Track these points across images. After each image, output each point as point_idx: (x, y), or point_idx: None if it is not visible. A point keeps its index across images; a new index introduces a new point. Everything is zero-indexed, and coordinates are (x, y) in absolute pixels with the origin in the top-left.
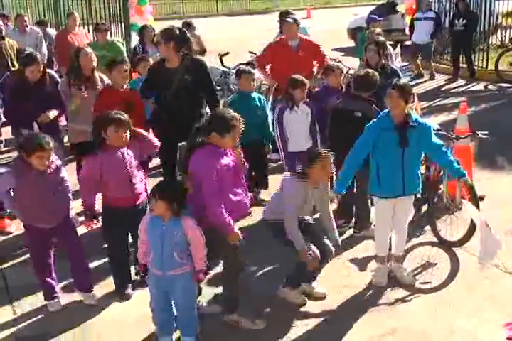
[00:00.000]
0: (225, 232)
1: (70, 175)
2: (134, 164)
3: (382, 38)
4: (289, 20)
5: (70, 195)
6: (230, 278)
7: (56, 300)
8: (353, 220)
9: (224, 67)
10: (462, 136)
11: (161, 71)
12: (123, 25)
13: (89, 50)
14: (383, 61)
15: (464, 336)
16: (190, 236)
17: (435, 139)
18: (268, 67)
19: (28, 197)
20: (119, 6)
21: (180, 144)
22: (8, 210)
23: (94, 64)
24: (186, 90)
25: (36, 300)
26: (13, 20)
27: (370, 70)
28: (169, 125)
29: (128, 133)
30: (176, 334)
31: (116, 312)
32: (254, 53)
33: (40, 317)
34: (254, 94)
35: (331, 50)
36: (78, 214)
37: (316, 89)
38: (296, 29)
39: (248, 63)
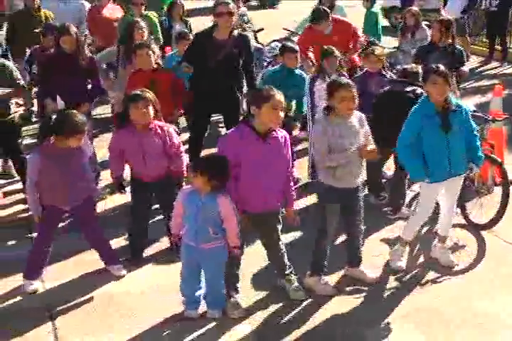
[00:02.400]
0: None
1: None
2: (155, 143)
3: (445, 17)
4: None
5: (93, 175)
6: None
7: (35, 282)
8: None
9: (258, 43)
10: (499, 119)
11: (209, 41)
12: None
13: (143, 24)
14: (450, 40)
15: (488, 318)
16: (224, 213)
17: (472, 122)
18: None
19: (52, 178)
20: None
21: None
22: None
23: (145, 38)
24: (231, 62)
25: (64, 269)
26: None
27: (413, 66)
28: (208, 94)
29: (150, 109)
30: (203, 308)
31: (143, 283)
32: (289, 30)
33: (68, 286)
34: (297, 71)
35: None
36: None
37: (356, 74)
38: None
39: (286, 39)
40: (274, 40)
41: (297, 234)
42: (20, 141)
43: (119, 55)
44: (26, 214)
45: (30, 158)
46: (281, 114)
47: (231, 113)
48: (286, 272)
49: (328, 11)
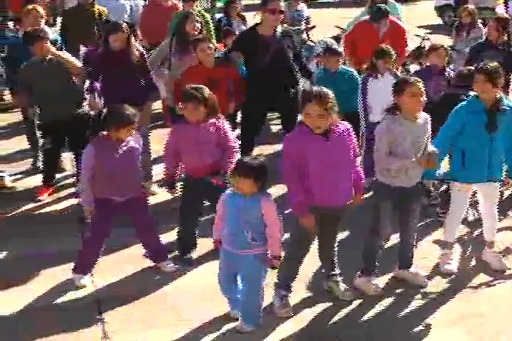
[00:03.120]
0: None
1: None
2: (210, 137)
3: (502, 15)
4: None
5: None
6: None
7: (86, 276)
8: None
9: (310, 40)
10: None
11: (255, 37)
12: None
13: (196, 16)
14: (505, 38)
15: None
16: (267, 217)
17: None
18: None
19: (105, 170)
20: None
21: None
22: None
23: (196, 32)
24: (280, 59)
25: (115, 264)
26: None
27: (471, 68)
28: (262, 93)
29: (201, 109)
30: None
31: (192, 280)
32: (342, 28)
33: (117, 281)
34: (342, 69)
35: (417, 27)
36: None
37: (417, 69)
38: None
39: (335, 37)
40: (324, 39)
41: (345, 234)
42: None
43: (171, 47)
44: (78, 209)
45: (84, 153)
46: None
47: (287, 111)
48: (334, 273)
49: (389, 10)
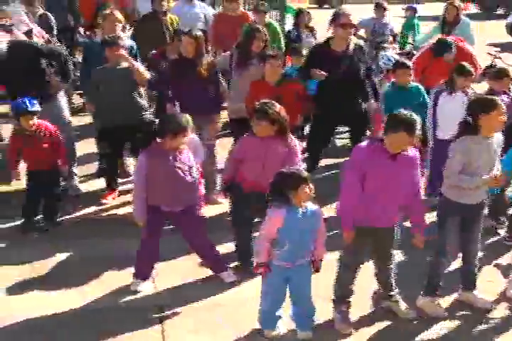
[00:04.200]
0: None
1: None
2: (276, 157)
3: None
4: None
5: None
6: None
7: (145, 281)
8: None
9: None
10: None
11: (327, 52)
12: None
13: (264, 32)
14: None
15: None
16: (319, 223)
17: None
18: None
19: (158, 180)
20: None
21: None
22: None
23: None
24: (352, 74)
25: (177, 270)
26: None
27: None
28: (332, 107)
29: (273, 125)
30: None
31: (250, 290)
32: (411, 44)
33: (178, 288)
34: (412, 84)
35: (487, 45)
36: None
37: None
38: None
39: (406, 53)
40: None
41: (406, 252)
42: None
43: (232, 59)
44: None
45: (137, 162)
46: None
47: (357, 125)
48: (392, 293)
49: (453, 43)
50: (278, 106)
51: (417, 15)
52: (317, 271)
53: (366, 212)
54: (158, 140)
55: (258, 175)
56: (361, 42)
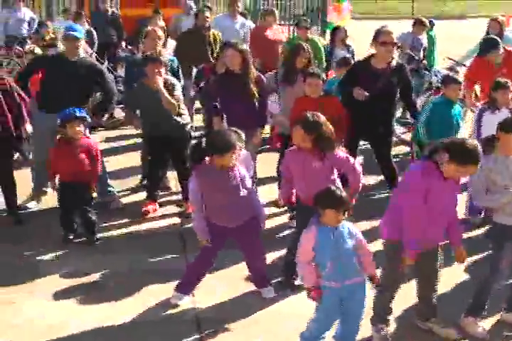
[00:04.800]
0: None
1: None
2: (314, 167)
3: None
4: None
5: (255, 196)
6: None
7: (186, 296)
8: None
9: (425, 69)
10: None
11: (367, 70)
12: (320, 22)
13: (307, 46)
14: None
15: None
16: (359, 241)
17: None
18: None
19: (211, 198)
20: (318, 2)
21: None
22: None
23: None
24: (389, 92)
25: (217, 285)
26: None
27: None
28: (360, 124)
29: (301, 130)
30: None
31: (292, 306)
32: (453, 60)
33: (218, 303)
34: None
35: None
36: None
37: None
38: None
39: (449, 69)
40: (437, 69)
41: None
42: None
43: (277, 77)
44: (180, 227)
45: (190, 185)
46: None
47: (381, 147)
48: (433, 313)
49: (499, 39)
50: (322, 118)
51: (434, 28)
52: (378, 285)
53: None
54: (207, 158)
55: (304, 190)
56: (400, 61)
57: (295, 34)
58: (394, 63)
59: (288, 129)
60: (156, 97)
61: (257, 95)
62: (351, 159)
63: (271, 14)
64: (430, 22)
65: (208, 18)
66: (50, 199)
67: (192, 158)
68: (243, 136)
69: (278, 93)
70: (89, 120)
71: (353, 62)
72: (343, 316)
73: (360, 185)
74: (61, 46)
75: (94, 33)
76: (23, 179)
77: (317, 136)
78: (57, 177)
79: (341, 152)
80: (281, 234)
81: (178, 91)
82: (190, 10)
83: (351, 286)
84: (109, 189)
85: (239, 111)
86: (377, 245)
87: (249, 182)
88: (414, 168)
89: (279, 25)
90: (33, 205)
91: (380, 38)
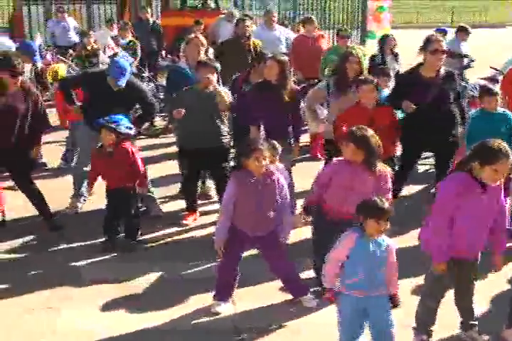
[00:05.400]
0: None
1: None
2: (363, 182)
3: None
4: None
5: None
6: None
7: (225, 303)
8: None
9: (463, 80)
10: None
11: (416, 78)
12: (360, 31)
13: (359, 54)
14: None
15: None
16: (390, 257)
17: None
18: None
19: (243, 204)
20: (358, 11)
21: None
22: None
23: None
24: (443, 100)
25: (257, 293)
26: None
27: None
28: (419, 134)
29: (354, 147)
30: None
31: (331, 314)
32: (497, 69)
33: (259, 310)
34: (499, 110)
35: None
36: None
37: None
38: None
39: (490, 78)
40: (480, 78)
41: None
42: (227, 163)
43: (329, 87)
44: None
45: (227, 190)
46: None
47: (445, 155)
48: (474, 322)
49: None
50: (370, 132)
51: (446, 37)
52: (395, 306)
53: (458, 244)
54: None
55: (341, 201)
56: (453, 70)
57: (335, 43)
58: (443, 71)
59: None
60: (200, 104)
61: (291, 107)
62: (390, 183)
63: (310, 22)
64: (442, 31)
65: (247, 27)
66: (90, 205)
67: (235, 163)
68: (279, 147)
69: (328, 103)
70: (122, 130)
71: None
72: (373, 331)
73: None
74: (101, 55)
75: (138, 43)
76: (64, 186)
77: (367, 151)
78: (105, 184)
79: (389, 172)
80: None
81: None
82: (231, 17)
83: (375, 298)
84: (150, 195)
85: (274, 121)
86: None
87: (286, 194)
88: (448, 183)
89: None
90: (72, 211)
91: (431, 46)
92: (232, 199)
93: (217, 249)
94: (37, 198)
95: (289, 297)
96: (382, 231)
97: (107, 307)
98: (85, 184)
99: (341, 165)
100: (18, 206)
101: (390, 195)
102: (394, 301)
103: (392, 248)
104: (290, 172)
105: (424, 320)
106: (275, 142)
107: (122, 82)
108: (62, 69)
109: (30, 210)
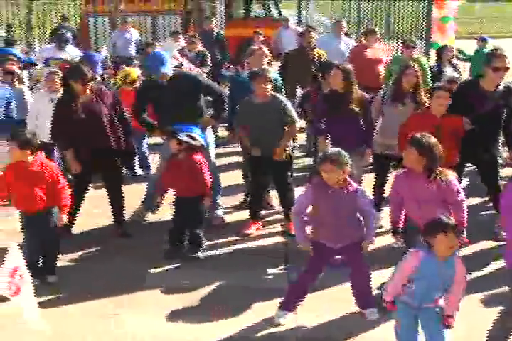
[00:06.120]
0: None
1: None
2: (426, 191)
3: None
4: None
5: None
6: None
7: (289, 314)
8: None
9: None
10: None
11: (475, 91)
12: (423, 41)
13: (416, 67)
14: None
15: None
16: (457, 276)
17: None
18: None
19: (322, 214)
20: (422, 21)
21: None
22: None
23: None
24: (496, 115)
25: (320, 304)
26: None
27: None
28: (468, 147)
29: (415, 153)
30: None
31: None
32: None
33: (321, 322)
34: None
35: None
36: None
37: None
38: None
39: None
40: None
41: None
42: (289, 174)
43: (384, 96)
44: (283, 245)
45: (301, 195)
46: None
47: (489, 170)
48: None
49: None
50: (434, 140)
51: (487, 45)
52: (448, 327)
53: None
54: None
55: (416, 213)
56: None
57: (398, 53)
58: (502, 86)
59: (385, 149)
60: (262, 114)
61: (360, 115)
62: (462, 193)
63: (372, 34)
64: (483, 39)
65: (312, 37)
66: (159, 213)
67: (311, 172)
68: (347, 157)
69: (382, 113)
70: (184, 139)
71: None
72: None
73: (465, 223)
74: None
75: (208, 54)
76: (134, 193)
77: (429, 158)
78: (174, 192)
79: (455, 180)
80: (383, 255)
81: (293, 111)
82: (287, 23)
83: (426, 310)
84: (215, 205)
85: (342, 132)
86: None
87: (368, 203)
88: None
89: (382, 43)
90: (142, 219)
91: (494, 62)
92: (304, 204)
93: (305, 250)
94: (119, 203)
95: (353, 309)
96: (452, 248)
97: (172, 314)
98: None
99: (402, 177)
100: (84, 212)
101: (464, 207)
102: (449, 321)
103: (461, 268)
104: (360, 182)
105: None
106: (343, 152)
107: (165, 70)
108: (134, 72)
109: (97, 217)
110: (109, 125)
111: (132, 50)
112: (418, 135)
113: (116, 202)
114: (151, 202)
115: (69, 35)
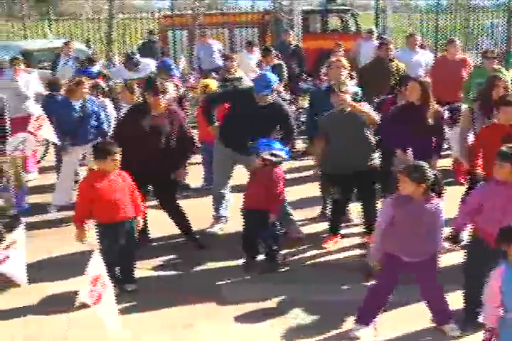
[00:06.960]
0: None
1: None
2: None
3: None
4: None
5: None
6: None
7: (366, 328)
8: None
9: None
10: None
11: None
12: (504, 52)
13: (505, 82)
14: None
15: None
16: None
17: None
18: None
19: (402, 228)
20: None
21: None
22: None
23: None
24: None
25: (397, 320)
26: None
27: None
28: None
29: (509, 166)
30: None
31: None
32: None
33: (399, 337)
34: None
35: None
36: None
37: None
38: None
39: None
40: None
41: None
42: (375, 186)
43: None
44: (360, 258)
45: (383, 205)
46: None
47: None
48: None
49: None
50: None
51: None
52: None
53: None
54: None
55: (498, 225)
56: None
57: (479, 64)
58: None
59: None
60: (340, 127)
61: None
62: None
63: (452, 45)
64: None
65: (390, 49)
66: (234, 224)
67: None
68: (428, 172)
69: (474, 126)
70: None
71: None
72: None
73: None
74: (245, 79)
75: (284, 66)
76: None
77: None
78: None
79: None
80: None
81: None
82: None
83: None
84: (290, 217)
85: (417, 143)
86: None
87: (442, 219)
88: None
89: (463, 54)
90: (217, 230)
91: None
92: (386, 221)
93: (374, 266)
94: (179, 216)
95: (431, 325)
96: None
97: (247, 326)
98: (223, 205)
99: (493, 188)
100: (163, 224)
101: None
102: None
103: None
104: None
105: None
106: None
107: (267, 92)
108: (214, 84)
109: (174, 228)
110: (166, 148)
111: (217, 60)
112: (505, 148)
113: (175, 217)
114: (218, 215)
115: (137, 57)
